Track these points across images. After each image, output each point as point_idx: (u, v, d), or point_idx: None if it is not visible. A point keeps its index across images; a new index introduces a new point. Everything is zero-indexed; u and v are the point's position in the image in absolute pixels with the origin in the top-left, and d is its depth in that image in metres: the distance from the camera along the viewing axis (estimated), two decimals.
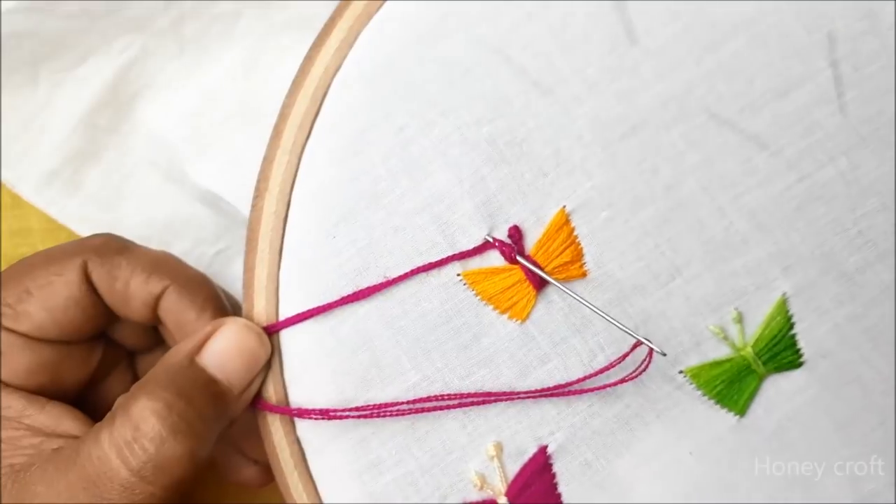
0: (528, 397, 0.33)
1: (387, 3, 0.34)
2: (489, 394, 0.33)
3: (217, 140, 0.39)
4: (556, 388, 0.33)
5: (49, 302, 0.32)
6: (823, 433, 0.34)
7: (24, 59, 0.38)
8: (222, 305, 0.34)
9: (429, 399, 0.33)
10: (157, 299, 0.33)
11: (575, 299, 0.33)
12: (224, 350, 0.32)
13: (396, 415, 0.33)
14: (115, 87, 0.39)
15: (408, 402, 0.33)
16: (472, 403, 0.33)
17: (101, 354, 0.35)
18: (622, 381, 0.32)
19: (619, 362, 0.33)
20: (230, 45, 0.39)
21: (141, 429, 0.29)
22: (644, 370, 0.32)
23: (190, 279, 0.34)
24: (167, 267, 0.34)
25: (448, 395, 0.33)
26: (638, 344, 0.32)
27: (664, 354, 0.32)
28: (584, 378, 0.33)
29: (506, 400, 0.33)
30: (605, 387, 0.33)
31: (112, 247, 0.34)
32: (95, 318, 0.33)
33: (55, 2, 0.37)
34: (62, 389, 0.33)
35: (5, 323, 0.32)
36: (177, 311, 0.33)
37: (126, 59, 0.39)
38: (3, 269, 0.37)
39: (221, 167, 0.39)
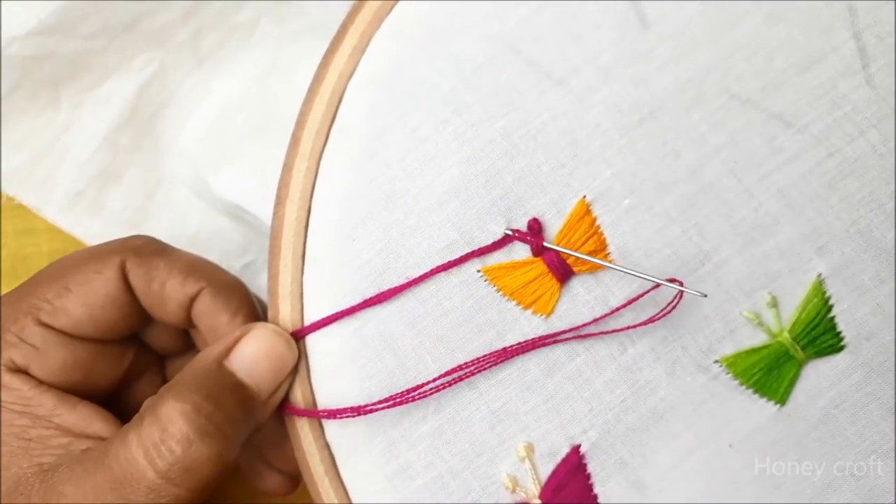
0: (553, 342, 0.32)
1: (397, 6, 0.34)
2: (505, 350, 0.32)
3: (239, 151, 0.40)
4: (583, 325, 0.32)
5: (87, 298, 0.33)
6: (874, 419, 0.32)
7: (46, 81, 0.39)
8: (255, 310, 0.35)
9: (452, 372, 0.32)
10: (192, 301, 0.34)
11: (610, 268, 0.32)
12: (253, 354, 0.32)
13: (425, 396, 0.32)
14: (136, 104, 0.40)
15: (435, 380, 0.32)
16: (494, 364, 0.32)
17: (132, 356, 0.35)
18: (652, 319, 0.31)
19: (643, 295, 0.32)
20: (248, 55, 0.40)
21: (168, 430, 0.29)
22: (673, 308, 0.31)
23: (225, 283, 0.34)
24: (203, 270, 0.34)
25: (469, 362, 0.32)
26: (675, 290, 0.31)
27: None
28: (603, 317, 0.32)
29: (532, 350, 0.32)
30: (632, 327, 0.32)
31: (151, 248, 0.34)
32: (130, 317, 0.34)
33: (74, 21, 0.38)
34: (94, 389, 0.34)
35: (43, 318, 0.33)
36: (210, 314, 0.34)
37: (146, 77, 0.40)
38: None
39: (244, 179, 0.39)
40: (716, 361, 0.32)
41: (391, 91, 0.34)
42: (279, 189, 0.34)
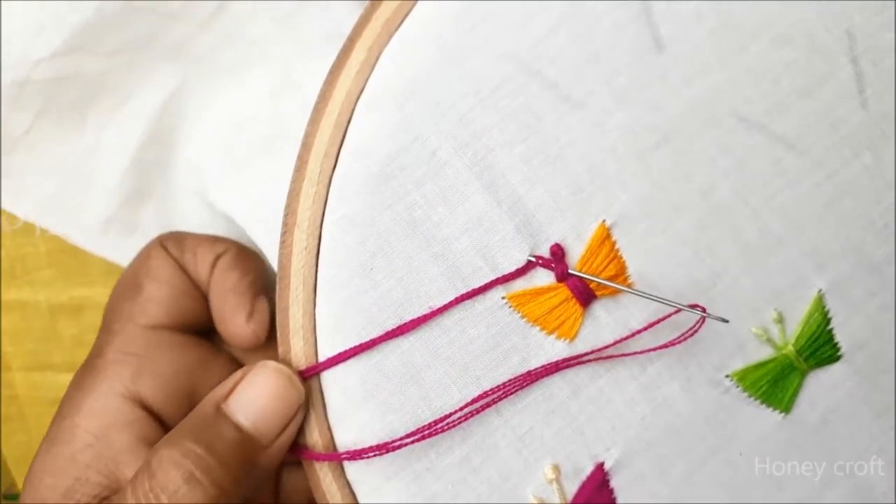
0: (577, 363, 0.32)
1: (408, 19, 0.32)
2: (530, 373, 0.32)
3: (244, 166, 0.37)
4: (605, 347, 0.33)
5: (154, 280, 0.35)
6: (864, 422, 0.34)
7: (72, 103, 0.37)
8: (264, 277, 0.36)
9: (476, 400, 0.32)
10: (217, 259, 0.35)
11: (633, 293, 0.32)
12: (252, 397, 0.31)
13: (449, 428, 0.32)
14: (160, 120, 0.38)
15: (459, 410, 0.32)
16: (519, 388, 0.32)
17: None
18: (674, 342, 0.32)
19: (663, 319, 0.32)
20: (265, 69, 0.37)
21: (156, 477, 0.29)
22: (696, 331, 0.32)
23: (245, 249, 0.36)
24: (227, 239, 0.37)
25: (493, 389, 0.32)
26: (699, 314, 0.32)
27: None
28: (625, 338, 0.33)
29: (555, 372, 0.32)
30: (654, 349, 0.32)
31: (180, 233, 0.37)
32: (195, 295, 0.35)
33: (96, 39, 0.35)
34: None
35: (139, 320, 0.34)
36: (226, 271, 0.35)
37: (167, 93, 0.38)
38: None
39: (242, 196, 0.37)
40: (727, 376, 0.34)
41: (405, 111, 0.32)
42: (286, 216, 0.32)
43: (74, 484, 0.31)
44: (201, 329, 0.36)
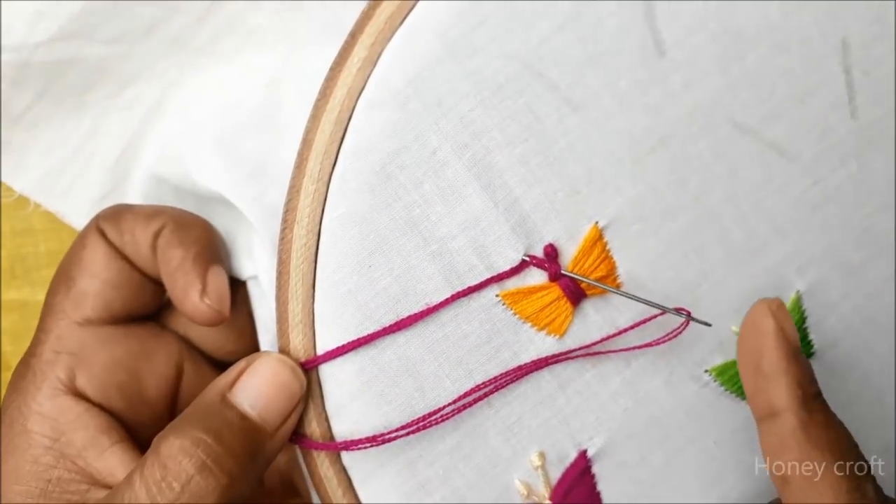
0: (566, 359, 0.34)
1: (411, 15, 0.32)
2: (521, 367, 0.34)
3: (246, 153, 0.37)
4: (592, 343, 0.34)
5: (88, 272, 0.33)
6: None
7: (71, 87, 0.37)
8: (211, 247, 0.34)
9: (468, 394, 0.33)
10: (156, 238, 0.33)
11: (622, 295, 0.34)
12: (257, 386, 0.32)
13: (442, 421, 0.33)
14: (157, 110, 0.38)
15: (451, 404, 0.33)
16: (510, 382, 0.34)
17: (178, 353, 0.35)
18: (659, 342, 0.34)
19: (649, 320, 0.34)
20: (260, 59, 0.37)
21: (168, 467, 0.29)
22: (679, 333, 0.34)
23: (185, 219, 0.34)
24: (165, 211, 0.35)
25: (485, 382, 0.33)
26: (684, 319, 0.33)
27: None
28: (612, 336, 0.34)
29: (544, 367, 0.34)
30: (640, 347, 0.34)
31: (118, 208, 0.35)
32: (133, 279, 0.34)
33: (94, 26, 0.35)
34: (145, 387, 0.34)
35: (72, 316, 0.33)
36: (167, 248, 0.33)
37: (166, 83, 0.37)
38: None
39: (252, 180, 0.37)
40: (706, 371, 0.35)
41: (406, 109, 0.32)
42: (285, 212, 0.33)
43: (48, 486, 0.31)
44: (145, 311, 0.35)
